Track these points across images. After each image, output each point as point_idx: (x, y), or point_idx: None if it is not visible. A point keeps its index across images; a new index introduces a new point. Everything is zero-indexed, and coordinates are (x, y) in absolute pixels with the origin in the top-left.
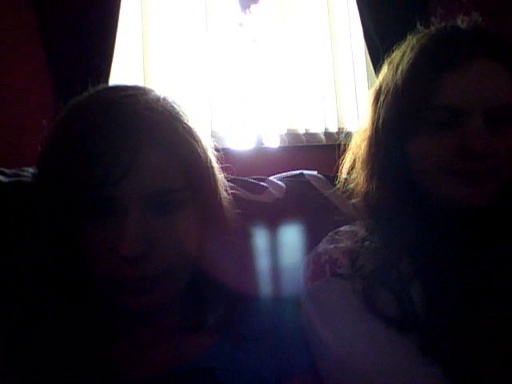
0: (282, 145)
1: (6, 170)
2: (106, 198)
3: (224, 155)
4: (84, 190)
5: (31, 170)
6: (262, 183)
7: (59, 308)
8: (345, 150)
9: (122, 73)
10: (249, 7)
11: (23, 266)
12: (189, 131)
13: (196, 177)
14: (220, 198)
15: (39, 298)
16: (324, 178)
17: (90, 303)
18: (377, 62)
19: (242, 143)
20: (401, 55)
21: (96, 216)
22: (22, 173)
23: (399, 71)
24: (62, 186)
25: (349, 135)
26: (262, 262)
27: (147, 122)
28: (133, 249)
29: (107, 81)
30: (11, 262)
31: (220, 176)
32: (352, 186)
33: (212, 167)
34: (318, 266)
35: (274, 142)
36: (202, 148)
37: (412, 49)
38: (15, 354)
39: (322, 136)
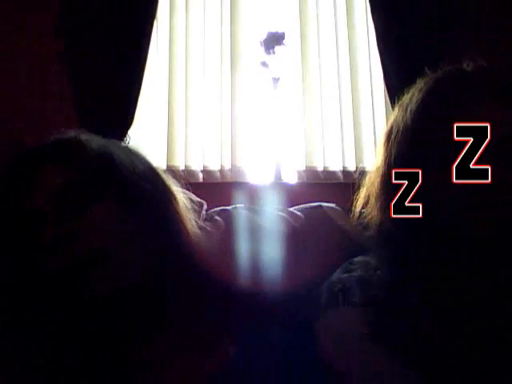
0: (300, 181)
1: None
2: None
3: (243, 189)
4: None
5: None
6: (279, 212)
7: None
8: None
9: (147, 110)
10: (273, 48)
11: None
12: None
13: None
14: (171, 201)
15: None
16: (341, 211)
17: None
18: (395, 101)
19: (261, 178)
20: (410, 97)
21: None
22: None
23: (408, 111)
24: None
25: (365, 174)
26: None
27: None
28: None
29: (133, 117)
30: None
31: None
32: (366, 220)
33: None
34: (331, 294)
35: (292, 178)
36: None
37: (420, 91)
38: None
39: (340, 174)
